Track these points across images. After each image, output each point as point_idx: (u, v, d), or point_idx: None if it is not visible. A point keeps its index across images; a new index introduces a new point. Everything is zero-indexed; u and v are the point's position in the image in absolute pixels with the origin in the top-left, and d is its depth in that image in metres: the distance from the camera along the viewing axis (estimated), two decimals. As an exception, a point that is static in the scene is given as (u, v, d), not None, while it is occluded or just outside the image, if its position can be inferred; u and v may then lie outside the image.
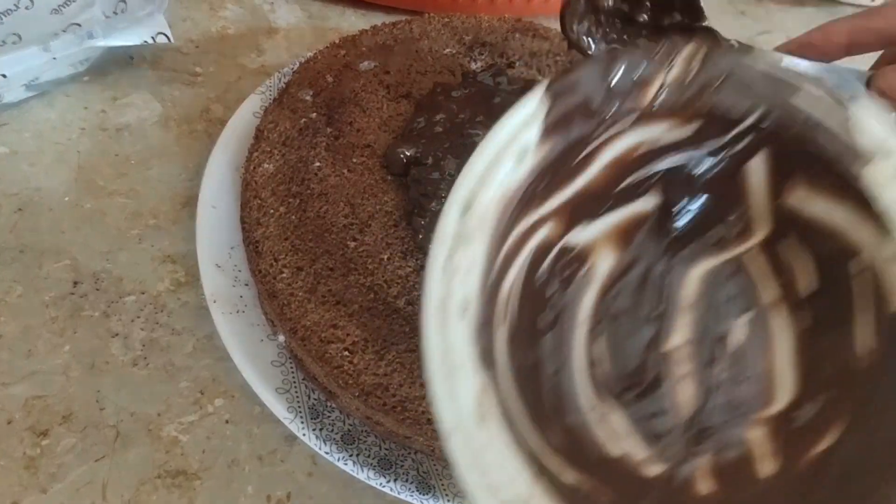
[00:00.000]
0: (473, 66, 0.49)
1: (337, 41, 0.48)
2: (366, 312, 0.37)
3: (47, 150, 0.46)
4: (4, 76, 0.43)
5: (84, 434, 0.37)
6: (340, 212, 0.40)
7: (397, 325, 0.37)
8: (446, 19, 0.51)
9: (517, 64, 0.49)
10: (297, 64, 0.48)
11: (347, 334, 0.36)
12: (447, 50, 0.49)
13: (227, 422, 0.39)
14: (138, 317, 0.41)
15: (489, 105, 0.44)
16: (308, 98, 0.45)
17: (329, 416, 0.38)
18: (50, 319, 0.40)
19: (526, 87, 0.46)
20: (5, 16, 0.46)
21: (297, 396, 0.38)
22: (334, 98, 0.45)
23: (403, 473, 0.37)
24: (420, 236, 0.39)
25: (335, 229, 0.39)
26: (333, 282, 0.38)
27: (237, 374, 0.40)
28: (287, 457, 0.39)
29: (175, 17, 0.53)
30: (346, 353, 0.36)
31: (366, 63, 0.47)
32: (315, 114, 0.44)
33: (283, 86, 0.45)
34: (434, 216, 0.40)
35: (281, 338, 0.39)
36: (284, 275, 0.38)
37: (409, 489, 0.36)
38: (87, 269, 0.42)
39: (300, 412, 0.37)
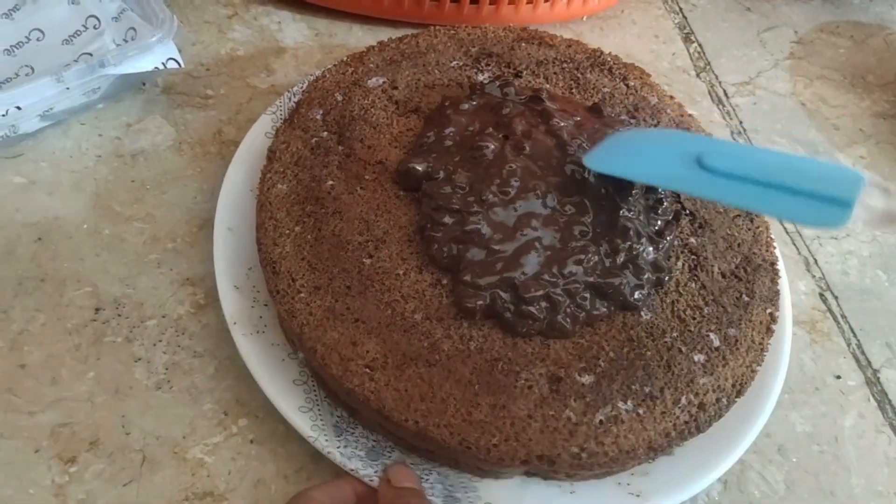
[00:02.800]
0: (480, 77, 0.49)
1: (345, 58, 0.49)
2: (384, 328, 0.37)
3: (64, 178, 0.46)
4: (19, 108, 0.44)
5: (111, 459, 0.38)
6: (355, 229, 0.40)
7: (416, 340, 0.37)
8: (452, 31, 0.51)
9: (524, 73, 0.49)
10: (306, 83, 0.48)
11: (367, 351, 0.36)
12: (454, 62, 0.49)
13: (251, 442, 0.39)
14: (160, 340, 0.42)
15: (498, 116, 0.44)
16: (318, 117, 0.45)
17: (353, 433, 0.38)
18: (73, 347, 0.41)
19: (534, 96, 0.46)
20: (17, 48, 0.47)
21: (321, 414, 0.38)
22: (344, 116, 0.45)
23: (429, 487, 0.37)
24: (434, 249, 0.40)
25: (350, 247, 0.40)
26: (351, 299, 0.38)
27: (260, 393, 0.40)
28: (313, 474, 0.39)
29: (185, 42, 0.53)
30: (367, 370, 0.36)
31: (374, 79, 0.47)
32: (326, 132, 0.44)
33: (294, 105, 0.46)
34: (447, 230, 0.40)
35: (301, 356, 0.39)
36: (302, 294, 0.38)
37: (436, 502, 0.36)
38: (107, 296, 0.43)
39: (324, 430, 0.37)
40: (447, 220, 0.40)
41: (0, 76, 0.46)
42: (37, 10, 0.48)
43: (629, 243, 0.40)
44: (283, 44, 0.56)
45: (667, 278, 0.41)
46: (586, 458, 0.35)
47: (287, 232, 0.40)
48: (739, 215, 0.45)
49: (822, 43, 0.69)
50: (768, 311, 0.42)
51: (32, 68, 0.46)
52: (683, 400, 0.37)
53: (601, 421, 0.36)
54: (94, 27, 0.48)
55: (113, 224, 0.45)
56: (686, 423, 0.37)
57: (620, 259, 0.40)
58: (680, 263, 0.42)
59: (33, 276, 0.43)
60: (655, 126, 0.49)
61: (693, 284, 0.42)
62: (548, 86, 0.49)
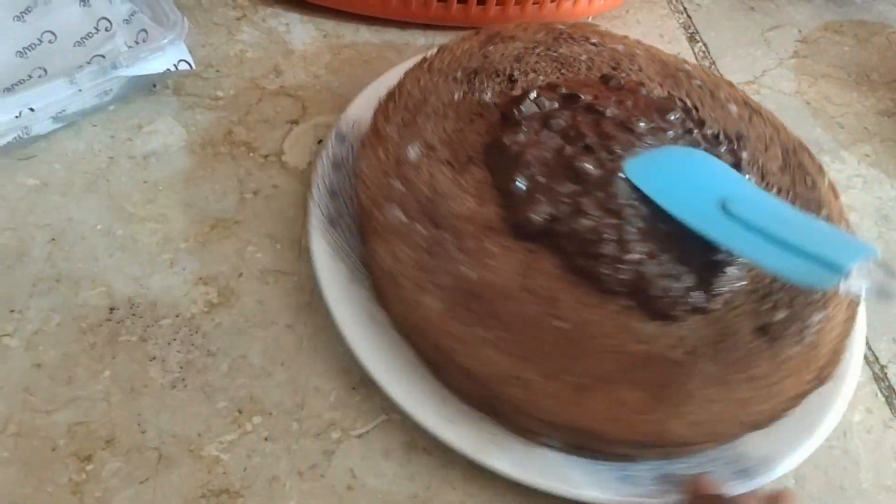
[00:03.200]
0: (486, 97, 0.48)
1: (364, 141, 0.45)
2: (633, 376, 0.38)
3: (77, 180, 0.47)
4: (32, 109, 0.44)
5: (127, 457, 0.38)
6: (526, 303, 0.40)
7: (662, 372, 0.39)
8: (424, 65, 0.49)
9: (516, 75, 0.49)
10: (354, 181, 0.45)
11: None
12: (455, 95, 0.48)
13: (265, 439, 0.40)
14: (174, 339, 0.42)
15: (558, 131, 0.44)
16: (402, 216, 0.42)
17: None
18: (89, 346, 0.41)
19: (567, 95, 0.46)
20: (30, 50, 0.47)
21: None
22: (420, 202, 0.43)
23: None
24: (610, 281, 0.40)
25: (539, 322, 0.39)
26: (575, 363, 0.38)
27: (273, 392, 0.41)
28: (326, 471, 0.39)
29: (194, 43, 0.54)
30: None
31: (411, 151, 0.44)
32: (420, 226, 0.42)
33: (361, 215, 0.43)
34: (611, 259, 0.40)
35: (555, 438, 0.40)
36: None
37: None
38: (121, 295, 0.43)
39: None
40: (607, 250, 0.40)
41: (13, 78, 0.46)
42: (48, 13, 0.48)
43: None
44: (291, 45, 0.57)
45: None
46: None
47: (475, 340, 0.39)
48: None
49: (826, 42, 0.69)
50: (827, 181, 0.49)
51: (45, 70, 0.47)
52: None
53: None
54: (106, 29, 0.48)
55: (126, 224, 0.45)
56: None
57: None
58: (748, 177, 0.47)
59: (48, 276, 0.43)
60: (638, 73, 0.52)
61: (775, 191, 0.47)
62: (548, 78, 0.49)
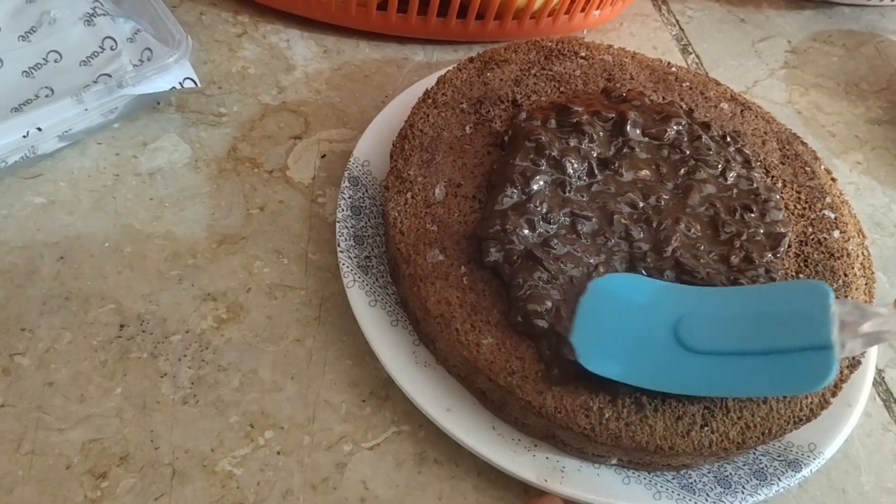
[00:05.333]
0: (497, 125, 0.48)
1: (386, 184, 0.45)
2: None
3: (84, 198, 0.47)
4: (40, 129, 0.44)
5: (142, 474, 0.38)
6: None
7: None
8: (429, 100, 0.48)
9: (519, 99, 0.50)
10: (386, 227, 0.44)
11: None
12: (467, 129, 0.48)
13: (278, 453, 0.40)
14: (185, 355, 0.42)
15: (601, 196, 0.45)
16: (444, 259, 0.42)
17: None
18: (100, 363, 0.41)
19: (549, 111, 0.47)
20: (36, 70, 0.48)
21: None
22: (456, 239, 0.43)
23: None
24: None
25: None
26: None
27: (284, 406, 0.41)
28: (339, 484, 0.40)
29: (196, 61, 0.54)
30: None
31: (437, 191, 0.45)
32: (462, 266, 0.42)
33: (401, 270, 0.42)
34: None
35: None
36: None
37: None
38: (131, 312, 0.43)
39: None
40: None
41: (21, 98, 0.46)
42: (53, 32, 0.48)
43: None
44: (292, 61, 0.57)
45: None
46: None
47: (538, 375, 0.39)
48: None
49: (815, 52, 0.70)
50: (822, 166, 0.51)
51: (52, 90, 0.47)
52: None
53: None
54: (111, 48, 0.48)
55: (134, 242, 0.46)
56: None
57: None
58: (758, 174, 0.48)
59: (57, 294, 0.43)
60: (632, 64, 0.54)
61: (780, 185, 0.49)
62: (550, 98, 0.50)
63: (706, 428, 0.39)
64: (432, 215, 0.44)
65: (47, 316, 0.42)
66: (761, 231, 0.45)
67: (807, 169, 0.50)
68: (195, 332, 0.43)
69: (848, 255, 0.46)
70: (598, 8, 0.62)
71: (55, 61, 0.48)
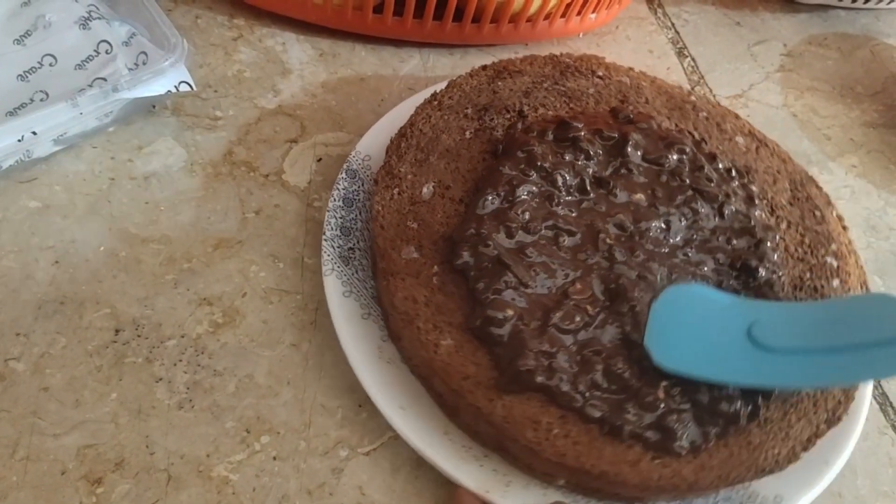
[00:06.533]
0: (497, 133, 0.48)
1: (378, 179, 0.45)
2: None
3: (79, 202, 0.47)
4: (35, 133, 0.44)
5: (137, 480, 0.38)
6: None
7: None
8: (435, 102, 0.49)
9: (525, 110, 0.50)
10: (369, 220, 0.45)
11: None
12: (467, 134, 0.48)
13: (274, 458, 0.40)
14: (180, 360, 0.42)
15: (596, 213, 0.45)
16: (418, 256, 0.42)
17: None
18: (95, 368, 0.41)
19: (549, 124, 0.47)
20: (30, 74, 0.48)
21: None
22: (434, 240, 0.43)
23: None
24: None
25: None
26: None
27: (280, 411, 0.41)
28: (335, 489, 0.39)
29: (192, 64, 0.54)
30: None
31: (425, 189, 0.45)
32: (434, 265, 0.42)
33: (378, 264, 0.43)
34: None
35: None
36: None
37: None
38: (126, 317, 0.43)
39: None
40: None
41: (15, 102, 0.46)
42: (48, 36, 0.48)
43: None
44: (288, 64, 0.57)
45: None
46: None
47: (491, 382, 0.39)
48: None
49: (810, 55, 0.71)
50: (835, 212, 0.50)
51: (47, 93, 0.47)
52: None
53: None
54: (106, 52, 0.48)
55: (129, 246, 0.46)
56: None
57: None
58: (759, 212, 0.48)
59: (52, 299, 0.43)
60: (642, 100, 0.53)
61: (785, 226, 0.48)
62: (557, 113, 0.50)
63: (657, 461, 0.37)
64: (415, 213, 0.44)
65: (42, 320, 0.42)
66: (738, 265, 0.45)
67: (816, 213, 0.49)
68: (191, 337, 0.43)
69: None
70: (594, 11, 0.62)
71: (50, 65, 0.48)
